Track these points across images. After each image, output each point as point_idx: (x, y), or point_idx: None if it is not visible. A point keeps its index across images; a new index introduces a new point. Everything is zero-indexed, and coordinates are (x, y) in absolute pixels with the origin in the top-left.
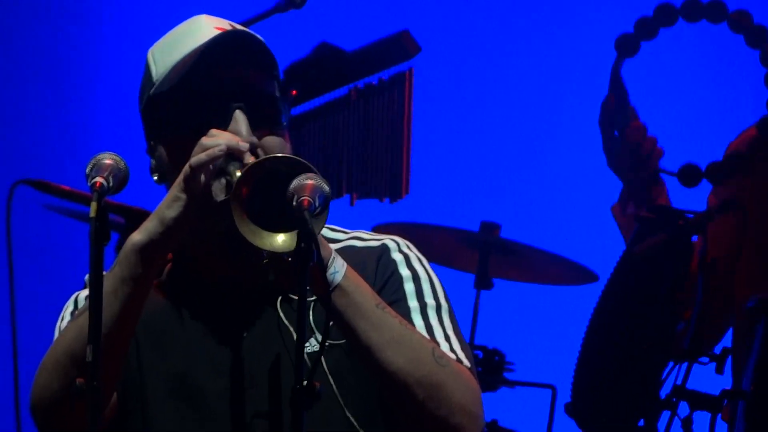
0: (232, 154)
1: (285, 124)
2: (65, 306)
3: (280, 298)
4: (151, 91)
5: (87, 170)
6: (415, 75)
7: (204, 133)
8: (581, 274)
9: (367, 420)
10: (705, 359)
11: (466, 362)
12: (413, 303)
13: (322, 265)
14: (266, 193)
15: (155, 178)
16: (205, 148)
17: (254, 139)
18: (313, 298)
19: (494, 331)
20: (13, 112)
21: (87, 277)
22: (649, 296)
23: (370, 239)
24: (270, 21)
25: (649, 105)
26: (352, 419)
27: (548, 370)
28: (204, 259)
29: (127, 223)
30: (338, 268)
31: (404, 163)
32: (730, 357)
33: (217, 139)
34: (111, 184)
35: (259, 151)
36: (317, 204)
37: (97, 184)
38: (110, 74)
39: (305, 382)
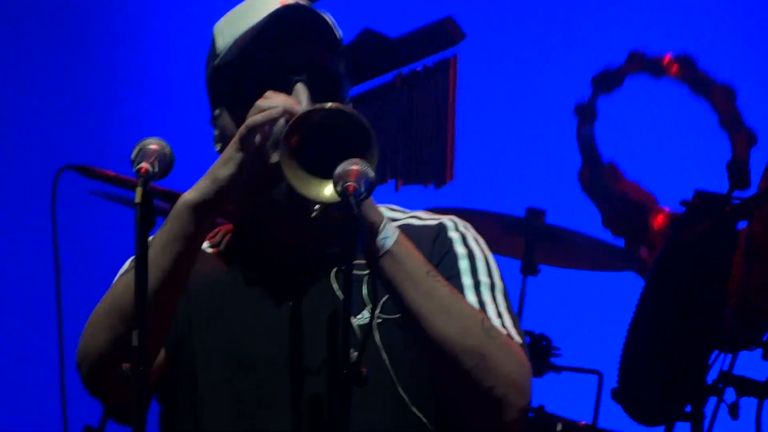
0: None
1: (348, 101)
2: (119, 271)
3: (335, 269)
4: (216, 62)
5: (132, 155)
6: (459, 61)
7: None
8: (626, 260)
9: (419, 399)
10: (752, 345)
11: (517, 338)
12: (467, 280)
13: (373, 232)
14: (316, 144)
15: (218, 148)
16: (262, 110)
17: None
18: (367, 272)
19: (540, 317)
20: (58, 98)
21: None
22: (696, 282)
23: (428, 218)
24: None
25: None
26: (405, 397)
27: (595, 355)
28: (263, 230)
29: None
30: (389, 234)
31: (449, 149)
32: None
33: (273, 101)
34: (156, 169)
35: None
36: (362, 189)
37: (143, 170)
38: (157, 60)
39: (355, 354)
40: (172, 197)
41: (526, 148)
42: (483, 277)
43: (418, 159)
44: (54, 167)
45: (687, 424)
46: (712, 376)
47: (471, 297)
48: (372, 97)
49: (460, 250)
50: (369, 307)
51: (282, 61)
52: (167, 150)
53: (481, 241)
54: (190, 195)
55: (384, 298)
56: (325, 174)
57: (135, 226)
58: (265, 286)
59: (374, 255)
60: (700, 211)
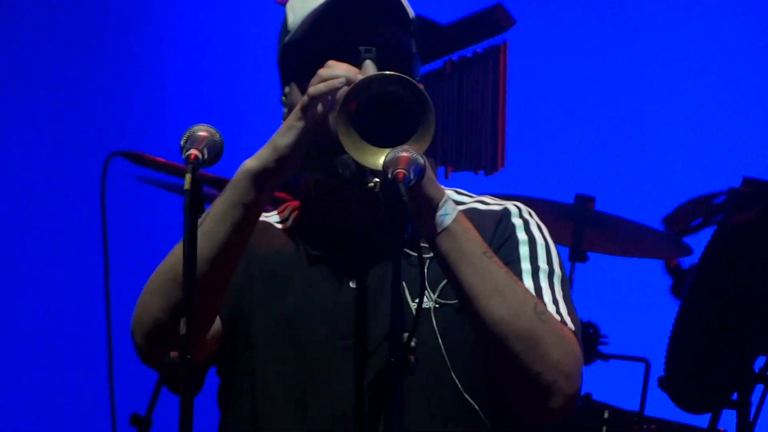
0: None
1: (417, 79)
2: None
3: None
4: (287, 38)
5: (182, 142)
6: (509, 48)
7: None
8: (675, 247)
9: (472, 386)
10: None
11: (570, 325)
12: (526, 265)
13: (432, 208)
14: (375, 112)
15: None
16: (324, 79)
17: None
18: (429, 255)
19: (588, 304)
20: (107, 85)
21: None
22: (744, 269)
23: (493, 203)
24: None
25: None
26: (459, 384)
27: (642, 343)
28: (327, 207)
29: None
30: (448, 211)
31: (499, 136)
32: None
33: (336, 70)
34: (206, 156)
35: None
36: (412, 177)
37: (192, 156)
38: (208, 49)
39: (406, 339)
40: (221, 184)
41: (575, 135)
42: (542, 264)
43: (468, 146)
44: (103, 154)
45: (733, 412)
46: (758, 363)
47: (528, 282)
48: (422, 84)
49: (521, 236)
50: (428, 292)
51: (352, 37)
52: (217, 137)
53: (544, 228)
54: (250, 163)
55: (443, 283)
56: (382, 143)
57: (183, 212)
58: (328, 264)
59: (432, 232)
60: (748, 198)
